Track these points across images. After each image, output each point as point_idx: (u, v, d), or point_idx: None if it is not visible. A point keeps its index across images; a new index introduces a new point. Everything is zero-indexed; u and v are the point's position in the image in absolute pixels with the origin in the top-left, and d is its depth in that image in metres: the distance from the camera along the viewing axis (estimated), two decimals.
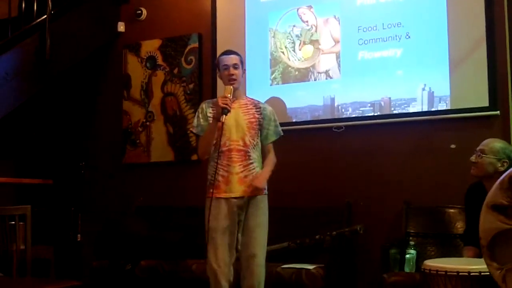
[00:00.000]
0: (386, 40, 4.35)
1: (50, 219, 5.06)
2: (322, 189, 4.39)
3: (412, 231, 4.00)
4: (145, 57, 5.26)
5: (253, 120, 3.32)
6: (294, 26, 4.70)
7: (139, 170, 5.20)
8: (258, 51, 4.79)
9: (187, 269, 4.05)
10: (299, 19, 4.69)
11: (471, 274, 2.62)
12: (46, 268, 4.63)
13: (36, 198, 4.93)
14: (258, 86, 4.75)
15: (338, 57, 4.52)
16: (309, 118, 4.58)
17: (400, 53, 4.31)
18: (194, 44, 5.06)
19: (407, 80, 4.26)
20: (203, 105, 3.38)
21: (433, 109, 4.17)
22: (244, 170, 3.24)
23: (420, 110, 4.21)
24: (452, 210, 3.91)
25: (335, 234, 3.95)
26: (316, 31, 4.62)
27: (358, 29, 4.45)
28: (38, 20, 4.62)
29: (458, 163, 3.78)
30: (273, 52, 4.76)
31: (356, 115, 4.42)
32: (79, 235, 4.57)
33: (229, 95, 3.17)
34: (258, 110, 3.37)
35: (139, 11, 5.31)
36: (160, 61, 5.19)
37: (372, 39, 4.40)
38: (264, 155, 3.42)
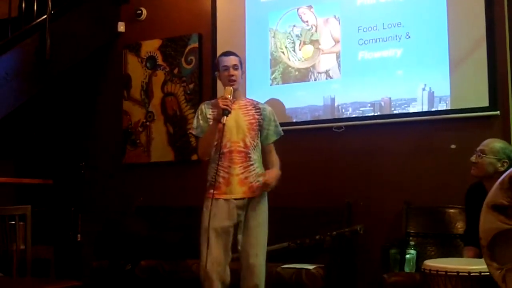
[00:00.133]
0: (386, 40, 4.35)
1: (50, 219, 5.06)
2: (322, 189, 4.39)
3: (412, 231, 4.00)
4: (145, 57, 5.26)
5: (253, 121, 3.32)
6: (294, 26, 4.70)
7: (139, 170, 5.20)
8: (258, 51, 4.79)
9: (187, 269, 4.05)
10: (299, 19, 4.69)
11: (471, 274, 2.62)
12: (46, 268, 4.63)
13: (36, 198, 4.93)
14: (258, 86, 4.75)
15: (338, 57, 4.52)
16: (309, 118, 4.58)
17: (400, 53, 4.31)
18: (194, 44, 5.06)
19: (407, 80, 4.26)
20: (202, 107, 3.37)
21: (433, 109, 4.17)
22: (244, 171, 3.24)
23: (420, 110, 4.21)
24: (452, 210, 3.91)
25: (335, 234, 3.95)
26: (316, 31, 4.62)
27: (358, 29, 4.45)
28: (38, 20, 4.62)
29: (458, 163, 3.78)
30: (273, 52, 4.76)
31: (356, 115, 4.42)
32: (79, 235, 4.57)
33: (229, 96, 3.17)
34: (257, 111, 3.37)
35: (139, 11, 5.31)
36: (160, 61, 5.19)
37: (372, 39, 4.40)
38: (265, 156, 3.42)
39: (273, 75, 4.74)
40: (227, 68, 3.29)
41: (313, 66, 4.61)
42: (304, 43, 4.66)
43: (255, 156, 3.30)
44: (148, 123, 5.20)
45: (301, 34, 4.67)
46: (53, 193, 5.18)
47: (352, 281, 4.21)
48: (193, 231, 4.30)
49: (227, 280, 3.22)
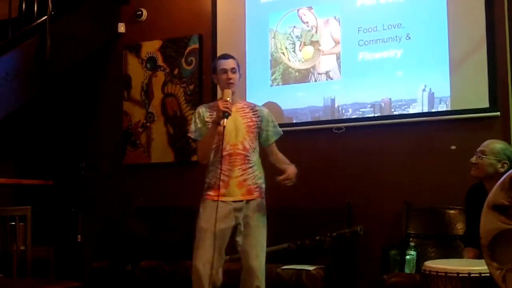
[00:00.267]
0: (386, 41, 4.35)
1: (50, 219, 5.06)
2: (322, 190, 4.39)
3: (412, 232, 4.00)
4: (146, 58, 5.26)
5: (251, 123, 3.32)
6: (294, 27, 4.70)
7: (139, 171, 5.19)
8: (258, 52, 4.80)
9: (187, 270, 4.01)
10: (299, 20, 4.70)
11: (471, 275, 2.62)
12: (46, 269, 4.63)
13: (36, 199, 4.93)
14: (259, 87, 4.76)
15: (338, 58, 4.52)
16: (309, 119, 4.58)
17: (400, 54, 4.31)
18: (194, 45, 5.06)
19: (407, 81, 4.26)
20: (200, 110, 3.36)
21: (433, 110, 4.17)
22: (243, 173, 3.24)
23: (421, 111, 4.21)
24: (452, 211, 3.92)
25: (335, 235, 3.95)
26: (316, 32, 4.62)
27: (358, 30, 4.45)
28: (39, 21, 4.62)
29: (458, 164, 3.78)
30: (274, 53, 4.76)
31: (357, 116, 4.42)
32: (79, 236, 4.57)
33: (228, 98, 3.17)
34: (255, 113, 3.37)
35: (140, 12, 5.31)
36: (160, 62, 5.19)
37: (372, 40, 4.40)
38: (270, 157, 3.43)
39: (273, 76, 4.75)
40: (225, 71, 3.28)
41: (313, 67, 4.61)
42: (304, 44, 4.66)
43: (254, 158, 3.30)
44: (148, 124, 5.20)
45: (301, 35, 4.68)
46: (53, 194, 5.19)
47: (352, 282, 4.21)
48: (193, 231, 4.30)
49: (218, 283, 3.20)
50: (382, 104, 4.34)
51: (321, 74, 4.58)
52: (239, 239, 3.24)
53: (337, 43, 4.54)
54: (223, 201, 3.19)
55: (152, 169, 5.16)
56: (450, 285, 2.65)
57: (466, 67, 4.09)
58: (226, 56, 3.40)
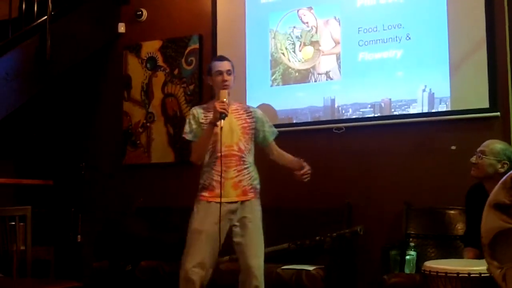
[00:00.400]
0: (387, 41, 4.35)
1: (50, 219, 5.06)
2: (322, 190, 4.39)
3: (412, 232, 4.00)
4: (146, 58, 5.26)
5: (246, 125, 3.33)
6: (294, 27, 4.70)
7: (140, 171, 5.19)
8: (258, 52, 4.80)
9: None
10: (299, 20, 4.70)
11: (471, 275, 2.62)
12: (46, 269, 4.63)
13: (36, 199, 4.93)
14: (259, 87, 4.76)
15: (338, 58, 4.52)
16: (309, 119, 4.58)
17: (400, 54, 4.31)
18: (194, 45, 5.06)
19: (408, 81, 4.26)
20: (194, 111, 3.36)
21: (433, 111, 4.17)
22: (238, 175, 3.25)
23: (421, 112, 4.21)
24: (452, 212, 3.92)
25: (335, 235, 3.95)
26: (316, 32, 4.63)
27: (359, 30, 4.45)
28: (39, 21, 4.62)
29: (458, 165, 3.78)
30: (274, 53, 4.76)
31: (357, 116, 4.42)
32: (79, 236, 4.57)
33: (225, 99, 3.18)
34: (249, 114, 3.38)
35: (140, 12, 5.31)
36: (160, 62, 5.19)
37: (372, 40, 4.40)
38: (272, 156, 3.45)
39: (273, 76, 4.75)
40: (221, 72, 3.29)
41: (313, 67, 4.61)
42: (304, 44, 4.66)
43: (250, 159, 3.31)
44: (148, 124, 5.20)
45: (301, 35, 4.68)
46: (53, 194, 5.19)
47: (352, 282, 4.21)
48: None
49: (206, 282, 3.20)
50: (382, 104, 4.34)
51: (321, 74, 4.58)
52: (236, 240, 3.24)
53: (337, 43, 4.54)
54: (217, 202, 3.19)
55: (152, 169, 5.16)
56: (450, 285, 2.65)
57: (466, 68, 4.09)
58: (221, 58, 3.42)
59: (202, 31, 5.05)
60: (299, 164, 3.33)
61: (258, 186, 3.33)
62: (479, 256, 2.93)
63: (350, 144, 4.41)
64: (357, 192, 4.31)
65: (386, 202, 4.21)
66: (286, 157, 3.46)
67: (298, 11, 4.71)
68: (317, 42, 4.62)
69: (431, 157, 4.15)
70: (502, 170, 3.05)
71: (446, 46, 4.14)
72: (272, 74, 4.75)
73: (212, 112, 3.18)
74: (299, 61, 4.67)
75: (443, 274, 2.68)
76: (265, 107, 4.52)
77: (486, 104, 4.00)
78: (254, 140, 3.38)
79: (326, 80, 4.56)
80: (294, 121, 4.63)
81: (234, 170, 3.23)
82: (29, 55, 4.57)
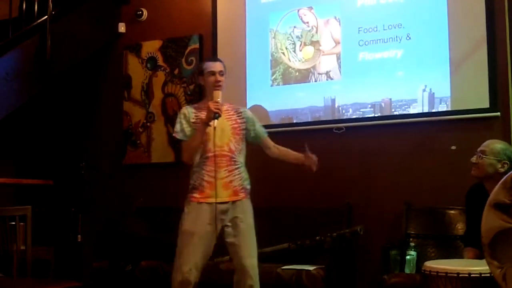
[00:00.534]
0: (387, 41, 4.35)
1: (50, 219, 5.06)
2: (322, 190, 4.39)
3: (412, 232, 4.00)
4: (146, 58, 5.26)
5: (236, 125, 3.34)
6: (294, 27, 4.70)
7: (140, 171, 5.19)
8: (258, 52, 4.80)
9: None
10: (299, 20, 4.70)
11: (472, 275, 2.62)
12: (46, 269, 4.63)
13: (37, 199, 4.93)
14: (259, 87, 4.76)
15: (338, 58, 4.52)
16: (309, 119, 4.58)
17: (400, 54, 4.31)
18: (194, 45, 5.06)
19: (408, 81, 4.26)
20: (185, 111, 3.35)
21: (433, 110, 4.17)
22: (229, 175, 3.24)
23: (421, 111, 4.21)
24: (452, 211, 3.92)
25: (335, 235, 3.95)
26: (316, 32, 4.62)
27: (359, 30, 4.45)
28: (39, 20, 4.62)
29: (459, 165, 3.78)
30: (274, 53, 4.76)
31: (357, 116, 4.42)
32: (79, 236, 4.57)
33: (219, 99, 3.19)
34: (239, 115, 3.39)
35: (140, 12, 5.31)
36: (160, 61, 5.19)
37: (372, 40, 4.40)
38: (267, 151, 3.46)
39: (274, 76, 4.75)
40: (213, 73, 3.29)
41: (314, 67, 4.61)
42: (305, 44, 4.66)
43: (241, 160, 3.31)
44: (148, 123, 5.20)
45: (301, 35, 4.67)
46: (53, 194, 5.18)
47: (352, 282, 4.21)
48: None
49: (196, 283, 3.20)
50: (383, 104, 4.34)
51: (321, 74, 4.58)
52: (229, 240, 3.23)
53: (337, 43, 4.54)
54: (208, 203, 3.19)
55: (152, 169, 5.15)
56: (450, 285, 2.65)
57: (466, 67, 4.09)
58: (214, 59, 3.48)
59: (202, 31, 5.05)
60: (304, 156, 3.31)
61: (249, 187, 3.33)
62: (479, 256, 2.93)
63: (351, 144, 4.40)
64: (357, 192, 4.31)
65: (386, 202, 4.21)
66: (289, 153, 3.45)
67: (298, 11, 4.71)
68: (317, 42, 4.61)
69: (431, 157, 4.15)
70: (502, 170, 3.05)
71: (447, 46, 4.14)
72: (272, 74, 4.75)
73: (204, 112, 3.19)
74: (299, 61, 4.67)
75: (444, 274, 2.67)
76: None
77: (486, 104, 4.00)
78: (246, 140, 3.39)
79: (327, 80, 4.56)
80: (294, 121, 4.62)
81: (225, 170, 3.23)
82: (29, 55, 4.57)
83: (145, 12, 5.32)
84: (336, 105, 4.50)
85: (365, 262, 4.21)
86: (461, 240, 3.63)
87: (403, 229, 4.01)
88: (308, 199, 4.41)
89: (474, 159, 3.18)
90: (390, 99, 4.31)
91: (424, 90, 4.21)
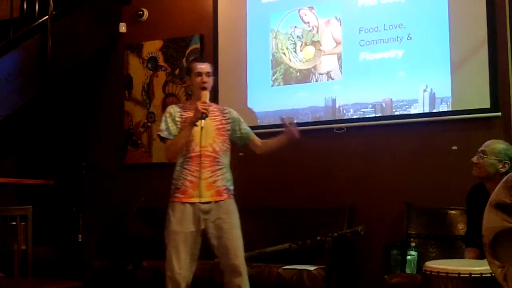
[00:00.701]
0: (388, 42, 4.35)
1: (51, 219, 5.06)
2: (323, 190, 4.40)
3: (413, 232, 4.00)
4: (147, 58, 5.27)
5: (221, 126, 3.33)
6: (295, 27, 4.70)
7: (141, 171, 5.19)
8: (259, 52, 4.80)
9: None
10: (300, 20, 4.70)
11: (472, 275, 2.62)
12: (47, 269, 4.63)
13: (38, 199, 4.94)
14: (259, 87, 4.76)
15: (339, 58, 4.52)
16: (310, 119, 4.58)
17: (401, 55, 4.31)
18: (195, 45, 5.06)
19: (409, 81, 4.26)
20: (171, 110, 3.35)
21: (434, 111, 4.17)
22: (212, 175, 3.23)
23: (422, 112, 4.21)
24: (453, 212, 3.92)
25: (336, 235, 3.95)
26: (317, 32, 4.63)
27: (360, 30, 4.45)
28: (40, 20, 4.62)
29: (460, 165, 3.78)
30: (275, 53, 4.76)
31: (358, 116, 4.42)
32: (80, 236, 4.57)
33: (207, 100, 3.19)
34: (225, 115, 3.38)
35: (141, 12, 5.32)
36: (161, 62, 5.20)
37: (373, 40, 4.40)
38: (257, 150, 3.45)
39: (274, 76, 4.75)
40: (200, 74, 3.30)
41: (315, 67, 4.61)
42: (306, 44, 4.66)
43: (225, 160, 3.30)
44: (149, 123, 5.20)
45: (302, 35, 4.68)
46: (55, 194, 5.19)
47: (353, 282, 4.21)
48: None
49: (189, 283, 3.21)
50: (383, 105, 4.34)
51: (322, 74, 4.58)
52: (214, 242, 3.22)
53: (338, 43, 4.54)
54: (191, 203, 3.19)
55: (153, 169, 5.15)
56: (451, 285, 2.65)
57: (467, 68, 4.09)
58: (202, 60, 3.46)
59: (203, 31, 5.05)
60: (284, 132, 3.32)
61: (232, 187, 3.31)
62: (480, 256, 2.93)
63: (351, 144, 4.40)
64: (358, 192, 4.31)
65: (387, 202, 4.21)
66: (272, 140, 3.43)
67: (299, 11, 4.71)
68: (318, 42, 4.61)
69: (432, 157, 4.15)
70: (503, 170, 3.05)
71: (447, 46, 4.14)
72: (273, 74, 4.75)
73: (189, 112, 3.20)
74: (300, 61, 4.67)
75: (444, 274, 2.67)
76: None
77: (487, 104, 3.99)
78: (232, 141, 3.39)
79: (327, 80, 4.56)
80: (295, 121, 4.60)
81: (208, 170, 3.22)
82: (30, 55, 4.57)
83: (146, 12, 5.32)
84: (337, 105, 4.50)
85: (366, 262, 4.21)
86: (462, 240, 3.63)
87: (404, 229, 4.01)
88: (309, 199, 4.41)
89: (475, 159, 3.17)
90: (391, 99, 4.31)
91: (425, 90, 4.21)
